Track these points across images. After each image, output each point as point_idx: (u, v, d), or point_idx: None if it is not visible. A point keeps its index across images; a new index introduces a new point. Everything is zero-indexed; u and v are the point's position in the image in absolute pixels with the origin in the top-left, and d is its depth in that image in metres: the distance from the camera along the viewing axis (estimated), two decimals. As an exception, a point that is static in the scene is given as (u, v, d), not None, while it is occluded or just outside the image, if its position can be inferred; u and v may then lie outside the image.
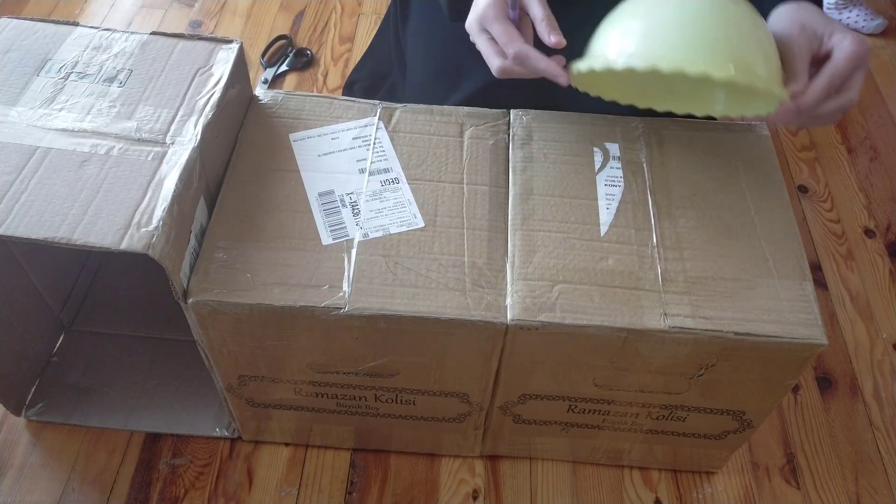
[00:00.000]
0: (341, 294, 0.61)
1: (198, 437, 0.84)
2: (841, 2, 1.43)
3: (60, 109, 0.65)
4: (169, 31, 0.73)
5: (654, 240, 0.65)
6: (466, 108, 0.75)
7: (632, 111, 0.70)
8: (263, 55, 1.33)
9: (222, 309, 0.61)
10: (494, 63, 0.63)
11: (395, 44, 1.02)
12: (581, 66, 0.59)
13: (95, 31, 0.72)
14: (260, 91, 0.76)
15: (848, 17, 1.43)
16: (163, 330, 0.91)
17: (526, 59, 0.60)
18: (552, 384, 0.68)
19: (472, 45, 0.66)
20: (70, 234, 0.57)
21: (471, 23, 0.64)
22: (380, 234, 0.65)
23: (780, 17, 0.62)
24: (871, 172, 1.19)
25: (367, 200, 0.67)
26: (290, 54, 1.32)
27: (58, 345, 0.90)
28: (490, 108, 0.75)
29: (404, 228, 0.66)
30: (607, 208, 0.67)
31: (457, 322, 0.61)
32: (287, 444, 0.85)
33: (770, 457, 0.86)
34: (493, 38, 0.62)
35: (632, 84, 0.66)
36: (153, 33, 0.73)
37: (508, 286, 0.62)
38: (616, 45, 0.58)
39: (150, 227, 0.57)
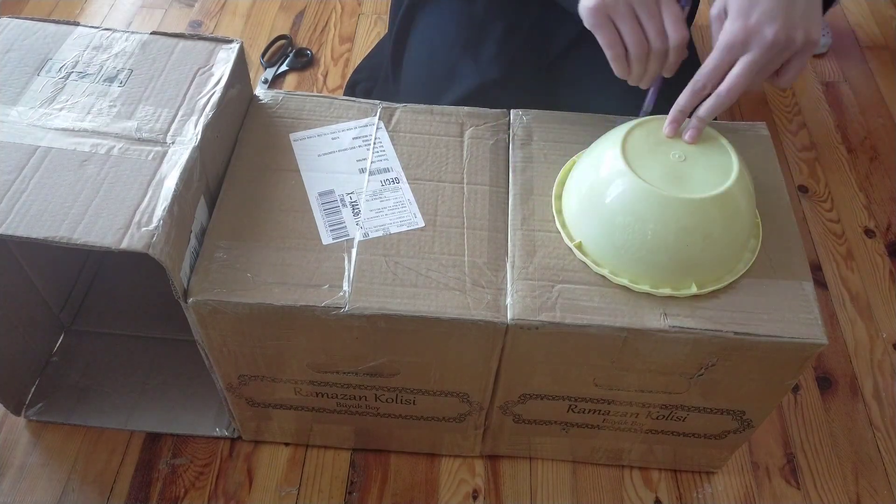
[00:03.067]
0: (341, 294, 0.61)
1: (198, 437, 0.84)
2: None
3: (61, 109, 0.65)
4: (169, 31, 0.73)
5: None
6: (466, 108, 0.75)
7: (633, 111, 0.70)
8: (263, 55, 1.33)
9: (222, 308, 0.61)
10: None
11: (387, 45, 1.01)
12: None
13: (95, 30, 0.72)
14: (260, 91, 0.76)
15: None
16: (163, 330, 0.91)
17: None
18: (552, 384, 0.68)
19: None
20: (70, 234, 0.57)
21: None
22: (380, 233, 0.65)
23: None
24: (871, 172, 1.19)
25: (367, 200, 0.67)
26: (290, 54, 1.32)
27: (58, 345, 0.90)
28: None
29: (404, 228, 0.66)
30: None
31: (457, 322, 0.61)
32: (287, 444, 0.85)
33: (770, 457, 0.86)
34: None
35: None
36: (153, 33, 0.73)
37: (508, 286, 0.62)
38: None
39: (151, 227, 0.57)
